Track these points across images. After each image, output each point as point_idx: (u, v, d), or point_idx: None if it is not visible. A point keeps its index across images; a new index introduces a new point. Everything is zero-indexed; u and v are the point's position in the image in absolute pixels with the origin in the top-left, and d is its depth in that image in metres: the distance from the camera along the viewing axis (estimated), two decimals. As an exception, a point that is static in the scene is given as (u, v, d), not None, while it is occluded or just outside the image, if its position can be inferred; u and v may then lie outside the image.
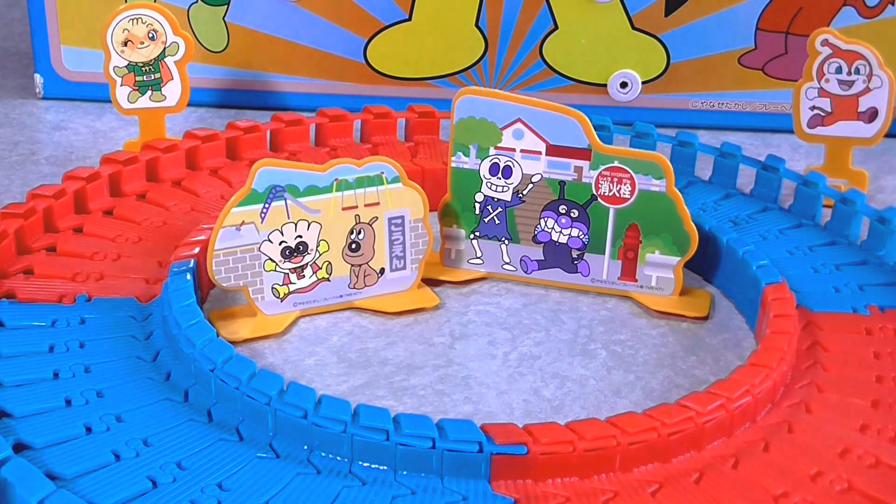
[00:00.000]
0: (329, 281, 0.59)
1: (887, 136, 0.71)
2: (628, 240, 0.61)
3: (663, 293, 0.61)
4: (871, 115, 0.70)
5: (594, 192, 0.60)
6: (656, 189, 0.59)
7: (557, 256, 0.62)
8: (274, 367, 0.55)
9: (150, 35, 0.70)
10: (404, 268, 0.60)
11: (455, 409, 0.52)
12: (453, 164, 0.62)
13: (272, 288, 0.58)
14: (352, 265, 0.59)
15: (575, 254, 0.62)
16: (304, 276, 0.58)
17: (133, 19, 0.70)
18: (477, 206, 0.62)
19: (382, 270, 0.60)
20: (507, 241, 0.62)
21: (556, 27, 0.80)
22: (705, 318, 0.60)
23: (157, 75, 0.71)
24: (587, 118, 0.60)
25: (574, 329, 0.59)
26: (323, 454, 0.47)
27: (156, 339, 0.54)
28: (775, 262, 0.61)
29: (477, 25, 0.81)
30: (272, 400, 0.48)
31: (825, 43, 0.69)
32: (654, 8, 0.79)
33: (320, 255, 0.58)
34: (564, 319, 0.60)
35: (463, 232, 0.63)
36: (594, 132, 0.59)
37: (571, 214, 0.61)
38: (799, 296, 0.59)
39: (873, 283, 0.60)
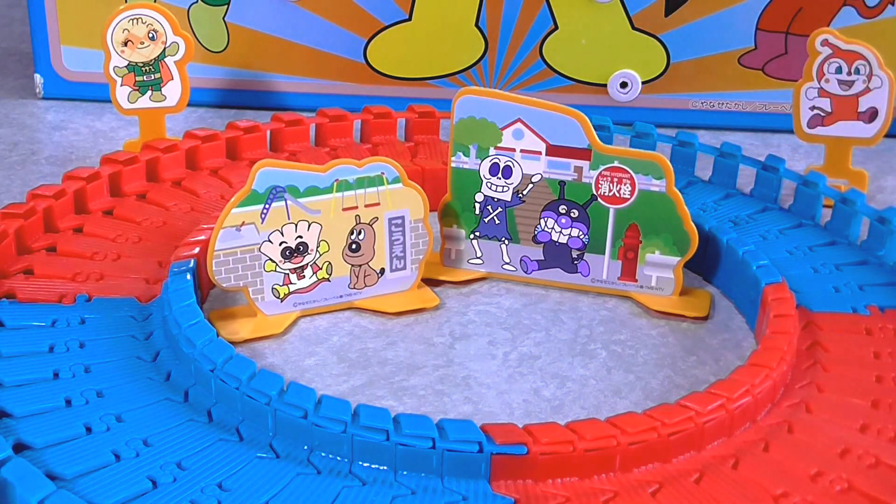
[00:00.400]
0: (329, 281, 0.59)
1: (887, 136, 0.71)
2: (628, 240, 0.61)
3: (663, 293, 0.61)
4: (871, 115, 0.70)
5: (594, 192, 0.60)
6: (656, 189, 0.59)
7: (557, 256, 0.62)
8: (274, 367, 0.55)
9: (150, 35, 0.70)
10: (404, 268, 0.60)
11: (455, 409, 0.52)
12: (453, 164, 0.62)
13: (272, 288, 0.58)
14: (352, 265, 0.59)
15: (575, 254, 0.62)
16: (304, 277, 0.58)
17: (133, 19, 0.70)
18: (477, 206, 0.62)
19: (382, 270, 0.60)
20: (507, 241, 0.62)
21: (556, 27, 0.80)
22: (705, 318, 0.60)
23: (157, 75, 0.71)
24: (587, 118, 0.60)
25: (574, 329, 0.59)
26: (323, 454, 0.47)
27: (156, 339, 0.54)
28: (775, 262, 0.61)
29: (477, 25, 0.81)
30: (272, 400, 0.48)
31: (825, 43, 0.69)
32: (654, 8, 0.79)
33: (320, 255, 0.58)
34: (564, 319, 0.60)
35: (463, 232, 0.63)
36: (594, 132, 0.59)
37: (571, 214, 0.61)
38: (799, 296, 0.59)
39: (873, 283, 0.60)
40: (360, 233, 0.59)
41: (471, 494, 0.45)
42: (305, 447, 0.47)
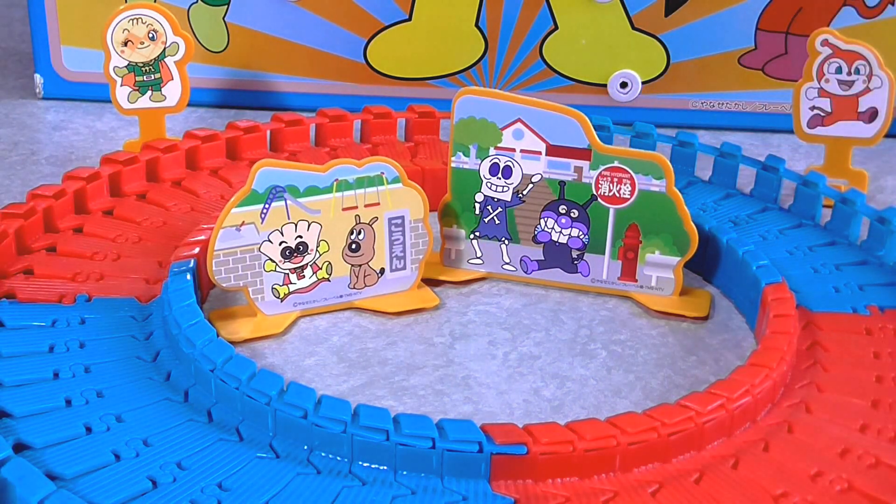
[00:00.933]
0: (329, 281, 0.59)
1: (887, 136, 0.71)
2: (628, 240, 0.61)
3: (663, 293, 0.61)
4: (871, 115, 0.70)
5: (594, 192, 0.60)
6: (656, 189, 0.59)
7: (557, 256, 0.62)
8: (274, 367, 0.55)
9: (150, 35, 0.70)
10: (404, 268, 0.60)
11: (455, 409, 0.52)
12: (453, 164, 0.62)
13: (272, 288, 0.58)
14: (352, 265, 0.59)
15: (575, 254, 0.62)
16: (304, 277, 0.58)
17: (133, 19, 0.70)
18: (477, 206, 0.62)
19: (382, 270, 0.60)
20: (507, 241, 0.62)
21: (556, 27, 0.80)
22: (705, 318, 0.60)
23: (157, 75, 0.71)
24: (587, 118, 0.60)
25: (574, 329, 0.59)
26: (323, 454, 0.47)
27: (156, 339, 0.54)
28: (775, 262, 0.61)
29: (477, 25, 0.81)
30: (272, 400, 0.48)
31: (825, 43, 0.69)
32: (654, 8, 0.79)
33: (320, 255, 0.58)
34: (564, 319, 0.60)
35: (463, 232, 0.63)
36: (594, 132, 0.59)
37: (571, 214, 0.61)
38: (799, 296, 0.59)
39: (873, 283, 0.60)
40: (359, 233, 0.59)
41: (471, 494, 0.45)
42: (305, 447, 0.47)
